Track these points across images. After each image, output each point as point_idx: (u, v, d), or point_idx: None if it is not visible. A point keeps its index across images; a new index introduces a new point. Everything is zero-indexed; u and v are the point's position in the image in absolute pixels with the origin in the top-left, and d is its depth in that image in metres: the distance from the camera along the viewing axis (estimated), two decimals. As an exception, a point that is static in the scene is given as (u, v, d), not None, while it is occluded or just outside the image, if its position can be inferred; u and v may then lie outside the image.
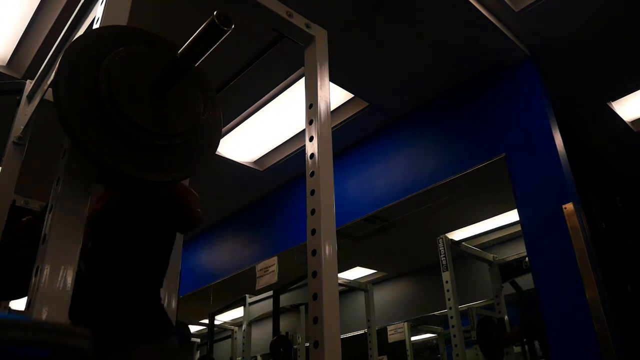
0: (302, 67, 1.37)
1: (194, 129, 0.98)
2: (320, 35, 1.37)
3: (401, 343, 3.84)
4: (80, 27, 1.29)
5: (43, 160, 2.20)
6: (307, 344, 1.77)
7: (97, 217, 1.38)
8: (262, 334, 4.41)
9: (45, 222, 0.82)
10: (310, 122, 1.27)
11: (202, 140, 1.02)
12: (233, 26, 0.83)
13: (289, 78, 2.82)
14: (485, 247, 3.53)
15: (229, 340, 4.98)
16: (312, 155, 1.22)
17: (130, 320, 1.29)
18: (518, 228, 2.49)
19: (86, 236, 1.34)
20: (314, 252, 1.10)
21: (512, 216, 2.84)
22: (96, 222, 1.37)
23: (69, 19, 1.35)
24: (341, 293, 2.19)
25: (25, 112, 1.68)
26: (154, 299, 1.38)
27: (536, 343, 2.86)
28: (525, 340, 2.98)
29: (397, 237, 3.66)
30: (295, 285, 3.91)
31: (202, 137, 1.01)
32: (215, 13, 0.82)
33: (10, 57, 2.63)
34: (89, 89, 0.86)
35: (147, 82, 0.92)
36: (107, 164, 0.84)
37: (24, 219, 1.51)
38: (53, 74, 1.47)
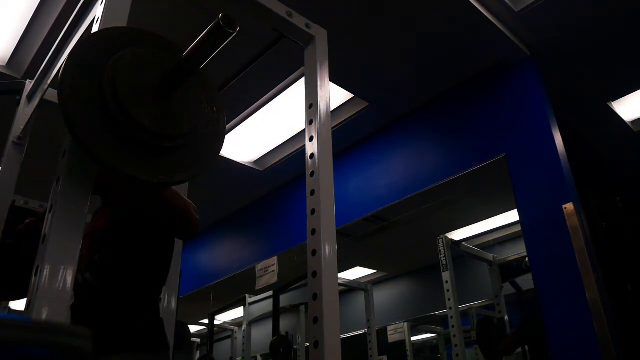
0: (302, 67, 1.37)
1: (198, 130, 0.99)
2: (320, 35, 1.37)
3: (401, 343, 3.84)
4: (80, 27, 1.29)
5: (43, 160, 2.21)
6: (307, 344, 1.78)
7: (101, 232, 1.40)
8: (262, 334, 4.42)
9: (45, 222, 0.82)
10: (310, 122, 1.27)
11: (207, 141, 1.02)
12: (238, 29, 0.83)
13: (289, 78, 2.82)
14: (485, 247, 3.53)
15: (229, 340, 4.98)
16: (312, 155, 1.22)
17: (132, 329, 1.32)
18: (518, 228, 2.49)
19: (90, 250, 1.38)
20: (314, 252, 1.10)
21: (512, 216, 2.85)
22: (101, 237, 1.40)
23: (69, 19, 1.35)
24: (341, 293, 2.19)
25: (25, 112, 1.68)
26: (155, 310, 1.41)
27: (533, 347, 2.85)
28: (520, 348, 2.97)
29: (397, 237, 3.66)
30: (295, 285, 3.91)
31: (206, 138, 1.02)
32: (220, 16, 0.82)
33: (10, 57, 2.63)
34: (94, 90, 0.86)
35: (151, 83, 0.92)
36: (114, 167, 0.84)
37: (27, 221, 1.51)
38: (54, 74, 1.47)
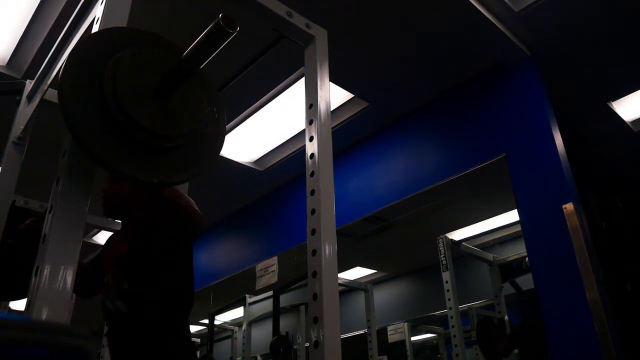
0: (302, 67, 1.37)
1: (198, 130, 0.99)
2: (320, 35, 1.37)
3: (401, 343, 3.84)
4: (80, 27, 1.29)
5: (43, 160, 2.21)
6: (307, 344, 1.77)
7: (126, 258, 1.41)
8: (262, 334, 4.41)
9: (45, 222, 0.82)
10: (310, 122, 1.28)
11: (207, 141, 1.02)
12: (238, 29, 0.83)
13: (289, 78, 2.82)
14: (485, 247, 3.53)
15: (229, 340, 4.98)
16: (312, 155, 1.22)
17: (163, 354, 1.33)
18: (518, 228, 2.48)
19: (117, 277, 1.38)
20: (314, 252, 1.10)
21: (512, 216, 2.84)
22: (126, 263, 1.40)
23: (69, 19, 1.36)
24: (341, 293, 2.18)
25: (25, 112, 1.68)
26: (185, 335, 1.42)
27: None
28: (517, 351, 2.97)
29: (397, 237, 3.66)
30: (295, 285, 3.91)
31: (206, 138, 1.02)
32: (220, 16, 0.82)
33: (10, 57, 2.63)
34: (94, 90, 0.86)
35: (152, 84, 0.92)
36: (113, 167, 0.84)
37: (27, 221, 1.51)
38: (54, 74, 1.47)
